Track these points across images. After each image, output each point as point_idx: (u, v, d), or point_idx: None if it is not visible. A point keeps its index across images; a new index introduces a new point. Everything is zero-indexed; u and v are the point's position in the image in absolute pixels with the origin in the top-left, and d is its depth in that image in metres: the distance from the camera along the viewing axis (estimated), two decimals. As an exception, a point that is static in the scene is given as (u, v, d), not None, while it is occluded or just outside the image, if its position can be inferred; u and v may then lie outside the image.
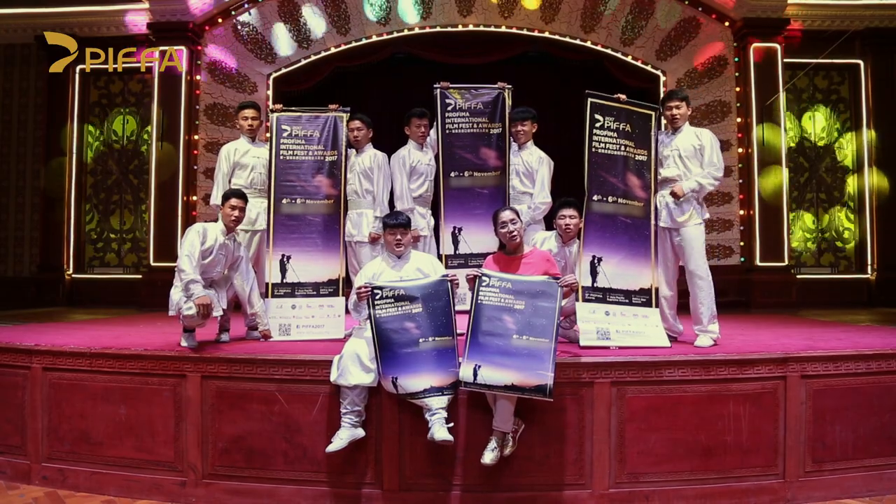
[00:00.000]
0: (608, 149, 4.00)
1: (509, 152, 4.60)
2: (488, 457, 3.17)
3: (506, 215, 3.67)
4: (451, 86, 4.62)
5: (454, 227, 4.61)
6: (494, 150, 4.60)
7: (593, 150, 3.98)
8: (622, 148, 4.02)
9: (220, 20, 8.13)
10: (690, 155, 4.08)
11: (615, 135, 4.01)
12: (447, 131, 4.60)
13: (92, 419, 3.68)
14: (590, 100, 4.00)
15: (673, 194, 4.03)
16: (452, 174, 4.62)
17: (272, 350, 3.72)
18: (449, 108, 4.60)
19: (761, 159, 7.87)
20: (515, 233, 3.64)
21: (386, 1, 8.04)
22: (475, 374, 3.11)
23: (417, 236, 4.57)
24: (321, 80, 8.39)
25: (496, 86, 4.63)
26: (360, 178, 4.66)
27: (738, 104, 8.09)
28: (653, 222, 4.06)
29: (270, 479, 3.46)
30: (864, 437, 3.55)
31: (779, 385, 3.49)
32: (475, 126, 4.61)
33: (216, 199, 4.64)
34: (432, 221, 4.82)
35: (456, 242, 4.60)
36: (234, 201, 4.02)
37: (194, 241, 3.78)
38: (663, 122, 4.24)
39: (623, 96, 4.08)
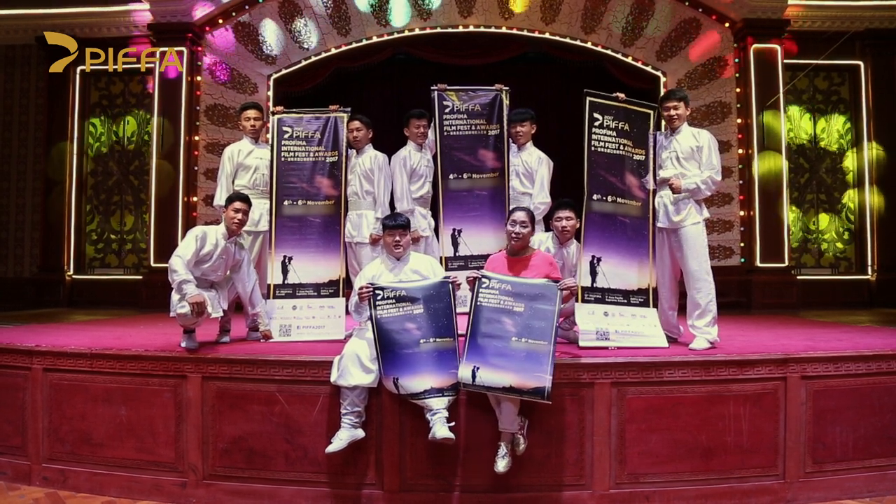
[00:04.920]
0: (607, 148, 4.00)
1: (508, 154, 4.59)
2: (501, 464, 3.16)
3: (517, 215, 3.64)
4: (448, 87, 4.61)
5: (453, 229, 4.60)
6: (492, 151, 4.59)
7: (592, 149, 3.97)
8: (621, 147, 4.02)
9: (220, 21, 8.13)
10: (688, 156, 4.04)
11: (614, 134, 4.01)
12: (445, 133, 4.59)
13: (92, 420, 3.68)
14: (588, 99, 3.99)
15: (671, 186, 3.96)
16: (451, 176, 4.61)
17: (273, 351, 3.72)
18: (446, 110, 4.59)
19: (761, 160, 7.87)
20: (521, 235, 3.61)
21: (386, 1, 8.05)
22: (474, 376, 3.11)
23: (418, 237, 4.57)
24: (322, 81, 8.39)
25: (493, 87, 4.62)
26: (360, 179, 4.66)
27: (739, 105, 8.09)
28: (651, 222, 4.04)
29: (271, 480, 3.47)
30: (865, 438, 3.55)
31: (779, 386, 3.49)
32: (473, 128, 4.59)
33: (220, 199, 4.65)
34: (433, 222, 4.82)
35: (455, 244, 4.59)
36: (237, 205, 4.02)
37: (190, 244, 3.79)
38: (662, 123, 4.23)
39: (622, 95, 4.07)
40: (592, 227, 3.95)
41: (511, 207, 3.87)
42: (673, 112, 4.08)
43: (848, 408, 3.54)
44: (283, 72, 8.30)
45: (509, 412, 3.19)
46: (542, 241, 4.12)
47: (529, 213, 3.69)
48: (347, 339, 3.90)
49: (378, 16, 8.11)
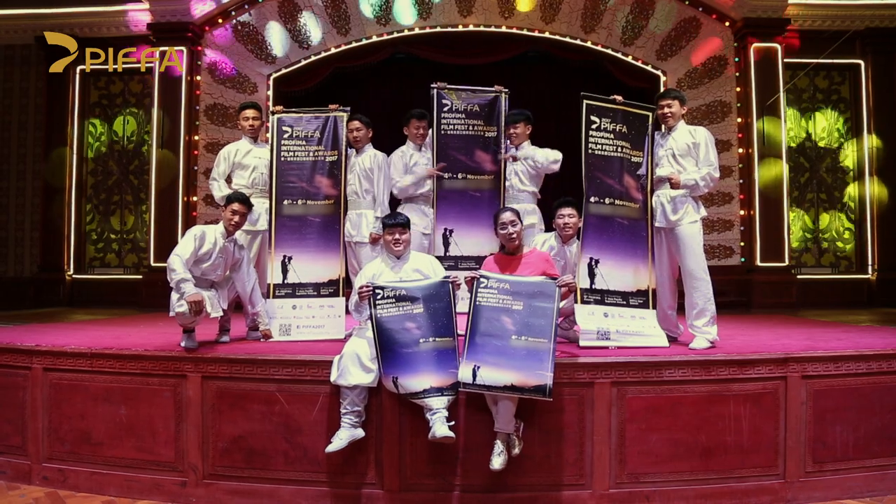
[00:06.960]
0: (605, 150, 3.99)
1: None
2: (497, 461, 3.16)
3: (506, 216, 3.68)
4: (447, 86, 4.59)
5: (445, 229, 4.56)
6: (489, 153, 4.57)
7: (590, 151, 3.97)
8: (619, 149, 4.00)
9: (220, 20, 8.13)
10: (684, 153, 4.04)
11: (612, 136, 3.99)
12: (442, 132, 4.57)
13: (92, 419, 3.68)
14: (585, 102, 3.98)
15: (670, 182, 3.96)
16: (446, 176, 4.59)
17: (272, 350, 3.72)
18: (445, 109, 4.57)
19: (762, 159, 7.87)
20: (515, 234, 3.65)
21: (385, 1, 8.05)
22: (474, 375, 3.11)
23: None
24: (321, 80, 8.39)
25: (493, 89, 4.60)
26: (359, 178, 4.66)
27: (739, 104, 8.09)
28: (649, 223, 4.04)
29: (271, 480, 3.46)
30: (865, 438, 3.55)
31: (779, 385, 3.49)
32: (470, 128, 4.57)
33: (220, 191, 4.65)
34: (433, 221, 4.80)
35: (447, 244, 4.56)
36: (236, 206, 4.01)
37: (188, 244, 3.78)
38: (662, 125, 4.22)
39: (619, 97, 4.05)
40: (591, 228, 3.94)
41: (496, 211, 3.86)
42: (667, 110, 4.09)
43: (848, 407, 3.54)
44: (283, 71, 8.30)
45: (506, 412, 3.18)
46: (545, 239, 4.13)
47: (515, 211, 3.74)
48: (347, 338, 3.90)
49: (378, 15, 8.11)
